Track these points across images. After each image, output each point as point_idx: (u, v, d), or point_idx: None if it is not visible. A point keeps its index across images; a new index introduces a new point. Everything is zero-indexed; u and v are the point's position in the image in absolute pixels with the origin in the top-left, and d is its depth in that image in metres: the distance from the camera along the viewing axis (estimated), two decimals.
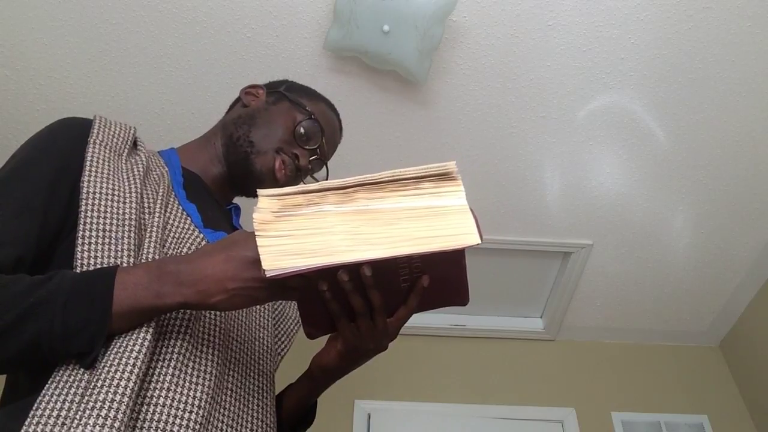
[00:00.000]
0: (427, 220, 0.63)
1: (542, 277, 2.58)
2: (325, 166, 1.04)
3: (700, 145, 2.09)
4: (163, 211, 0.79)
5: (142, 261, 0.71)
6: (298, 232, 0.62)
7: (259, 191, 0.65)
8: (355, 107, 1.95)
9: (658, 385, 2.63)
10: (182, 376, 0.68)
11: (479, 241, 0.62)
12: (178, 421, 0.65)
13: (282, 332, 0.98)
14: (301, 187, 0.65)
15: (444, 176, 0.66)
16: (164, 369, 0.67)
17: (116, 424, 0.58)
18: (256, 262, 0.63)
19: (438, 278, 0.70)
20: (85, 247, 0.70)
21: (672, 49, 1.86)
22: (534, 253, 2.44)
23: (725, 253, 2.43)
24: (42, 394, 0.62)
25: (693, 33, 1.82)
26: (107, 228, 0.72)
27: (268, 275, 0.60)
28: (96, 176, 0.75)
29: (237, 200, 1.06)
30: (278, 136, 0.97)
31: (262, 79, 1.88)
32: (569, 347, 2.74)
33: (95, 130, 0.81)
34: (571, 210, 2.28)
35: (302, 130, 0.98)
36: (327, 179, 0.99)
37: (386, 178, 0.65)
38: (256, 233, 0.63)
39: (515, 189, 2.21)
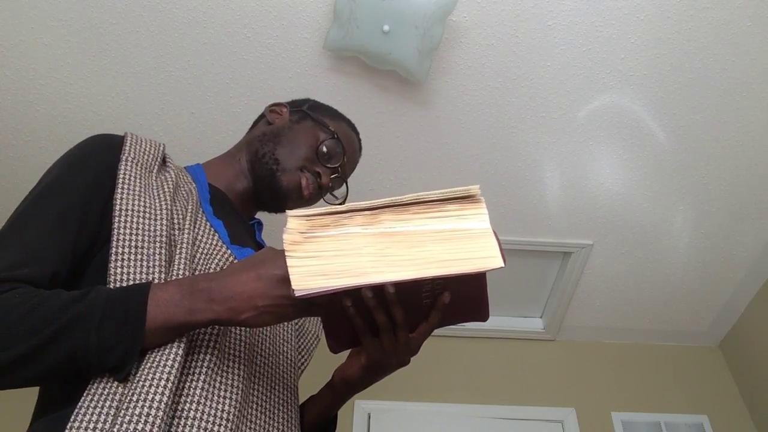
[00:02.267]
0: (451, 242, 0.65)
1: (542, 277, 2.59)
2: (345, 184, 1.06)
3: (700, 145, 2.09)
4: (191, 228, 0.81)
5: (173, 277, 0.73)
6: (326, 253, 0.64)
7: (288, 212, 0.67)
8: (355, 107, 1.95)
9: (658, 385, 2.63)
10: (211, 390, 0.70)
11: (502, 265, 0.64)
12: None
13: (302, 346, 1.00)
14: (328, 208, 0.66)
15: (468, 199, 0.67)
16: (194, 383, 0.69)
17: None
18: (285, 280, 0.64)
19: (459, 296, 0.72)
20: (118, 264, 0.72)
21: (672, 49, 1.86)
22: (534, 253, 2.44)
23: (725, 253, 2.43)
24: (78, 407, 0.63)
25: (693, 33, 1.82)
26: (139, 245, 0.74)
27: (296, 295, 0.62)
28: (128, 193, 0.78)
29: (258, 215, 1.08)
30: (302, 155, 0.99)
31: (261, 79, 1.90)
32: (569, 347, 2.74)
33: (127, 147, 0.83)
34: (571, 210, 2.28)
35: (325, 149, 1.00)
36: (347, 196, 1.02)
37: (411, 200, 0.66)
38: (285, 254, 0.64)
39: (515, 189, 2.21)
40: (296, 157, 0.99)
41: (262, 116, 1.09)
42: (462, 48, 1.85)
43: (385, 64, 1.80)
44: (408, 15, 1.68)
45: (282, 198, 0.98)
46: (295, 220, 0.66)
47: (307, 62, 1.87)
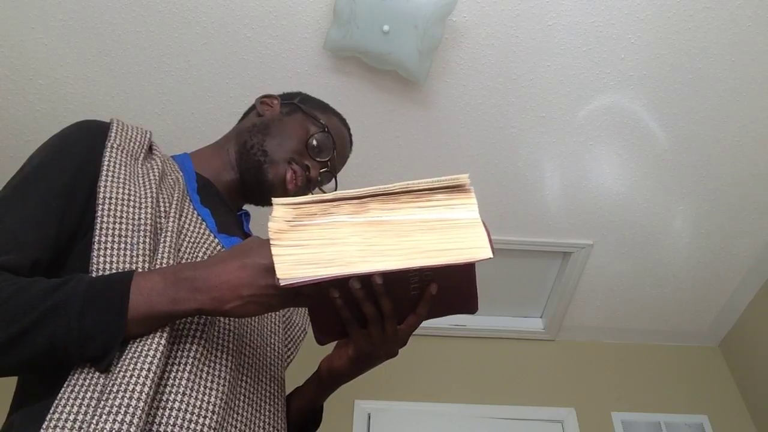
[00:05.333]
0: (439, 232, 0.64)
1: (542, 277, 2.58)
2: (334, 179, 1.05)
3: (700, 145, 2.09)
4: (178, 216, 0.79)
5: (157, 266, 0.72)
6: (313, 241, 0.63)
7: (274, 200, 0.65)
8: (355, 107, 1.95)
9: (658, 385, 2.63)
10: (197, 380, 0.68)
11: (491, 256, 0.63)
12: (192, 426, 0.65)
13: (289, 339, 0.99)
14: (315, 196, 0.65)
15: (457, 188, 0.66)
16: (179, 373, 0.68)
17: (132, 429, 0.59)
18: (271, 269, 0.63)
19: (448, 287, 0.71)
20: (101, 252, 0.70)
21: (672, 49, 1.86)
22: (534, 253, 2.44)
23: (725, 253, 2.43)
24: (58, 398, 0.62)
25: (693, 33, 1.82)
26: (123, 233, 0.72)
27: (282, 284, 0.61)
28: (113, 181, 0.76)
29: (245, 207, 1.07)
30: (291, 147, 0.98)
31: (261, 79, 1.90)
32: (569, 347, 2.74)
33: (113, 134, 0.81)
34: (571, 210, 2.28)
35: (315, 142, 0.99)
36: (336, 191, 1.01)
37: (399, 189, 0.65)
38: (271, 242, 0.63)
39: (515, 189, 2.21)
40: (285, 149, 0.97)
41: (252, 108, 1.08)
42: (462, 48, 1.85)
43: (385, 64, 1.80)
44: (408, 15, 1.68)
45: (267, 190, 0.96)
46: (281, 208, 0.65)
47: (307, 62, 1.87)
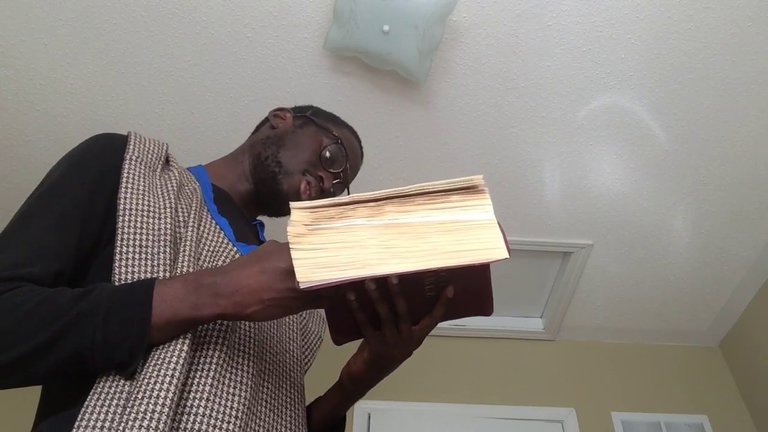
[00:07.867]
0: (455, 234, 0.65)
1: (542, 277, 2.59)
2: (346, 190, 1.06)
3: (700, 145, 2.09)
4: (196, 226, 0.81)
5: (178, 274, 0.73)
6: (331, 245, 0.64)
7: (292, 204, 0.67)
8: (355, 107, 1.95)
9: (658, 385, 2.63)
10: (220, 386, 0.69)
11: (507, 256, 0.64)
12: (217, 431, 0.66)
13: (306, 346, 1.00)
14: (332, 200, 0.66)
15: (471, 189, 0.66)
16: (203, 379, 0.69)
17: None
18: (290, 273, 0.64)
19: (463, 289, 0.72)
20: (123, 263, 0.72)
21: (672, 49, 1.86)
22: (534, 253, 2.44)
23: (725, 253, 2.43)
24: (85, 406, 0.63)
25: (693, 33, 1.82)
26: (144, 244, 0.74)
27: (302, 287, 0.62)
28: (132, 192, 0.78)
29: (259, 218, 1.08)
30: (305, 158, 1.00)
31: (261, 79, 1.90)
32: (569, 347, 2.74)
33: (131, 147, 0.83)
34: (571, 210, 2.28)
35: (328, 154, 1.01)
36: None
37: (415, 191, 0.66)
38: (290, 246, 0.64)
39: (515, 189, 2.21)
40: (299, 161, 0.99)
41: (265, 120, 1.10)
42: (462, 48, 1.85)
43: (385, 64, 1.80)
44: (408, 15, 1.68)
45: (281, 201, 0.98)
46: (299, 213, 0.66)
47: (307, 62, 1.87)
